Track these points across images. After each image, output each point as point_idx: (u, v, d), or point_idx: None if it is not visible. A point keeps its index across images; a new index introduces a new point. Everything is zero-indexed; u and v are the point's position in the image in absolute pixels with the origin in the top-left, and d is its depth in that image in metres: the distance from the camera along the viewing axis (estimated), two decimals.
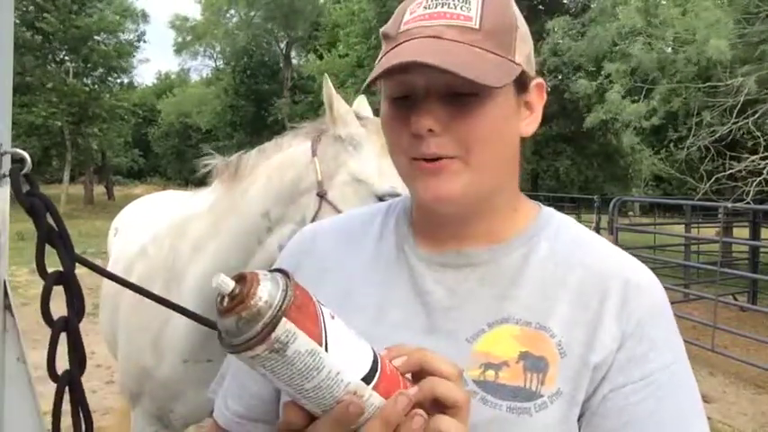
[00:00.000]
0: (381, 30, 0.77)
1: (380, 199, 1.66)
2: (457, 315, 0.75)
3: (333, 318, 0.58)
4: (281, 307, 0.53)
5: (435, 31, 0.70)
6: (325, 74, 1.98)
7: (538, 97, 0.78)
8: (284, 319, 0.53)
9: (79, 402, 1.01)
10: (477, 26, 0.70)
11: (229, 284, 0.55)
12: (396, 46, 0.71)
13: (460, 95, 0.70)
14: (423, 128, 0.70)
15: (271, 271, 0.58)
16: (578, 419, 0.71)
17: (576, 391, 0.70)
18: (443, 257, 0.79)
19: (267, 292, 0.54)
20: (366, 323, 0.76)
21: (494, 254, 0.78)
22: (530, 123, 0.78)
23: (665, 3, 10.55)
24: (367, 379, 0.57)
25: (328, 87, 1.75)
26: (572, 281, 0.75)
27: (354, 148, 1.75)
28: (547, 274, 0.76)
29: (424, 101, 0.70)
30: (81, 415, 1.03)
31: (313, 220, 1.71)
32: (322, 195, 1.73)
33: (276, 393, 0.85)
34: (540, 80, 0.78)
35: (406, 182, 0.77)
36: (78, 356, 1.03)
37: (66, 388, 1.03)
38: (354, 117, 1.78)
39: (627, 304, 0.73)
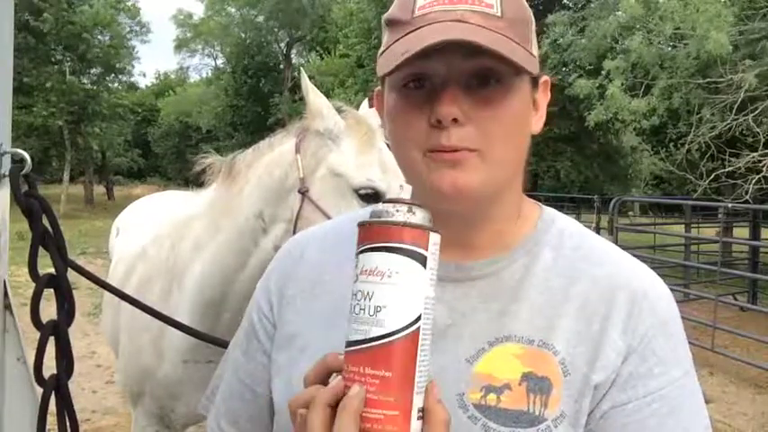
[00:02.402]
0: (386, 16, 0.72)
1: (357, 192, 1.64)
2: (456, 333, 0.71)
3: None
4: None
5: (459, 16, 0.66)
6: (301, 68, 1.99)
7: (543, 95, 0.76)
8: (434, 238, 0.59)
9: (65, 407, 1.01)
10: (500, 14, 0.67)
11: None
12: (413, 30, 0.66)
13: (483, 85, 0.66)
14: (448, 116, 0.64)
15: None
16: None
17: (578, 414, 0.67)
18: (442, 271, 0.72)
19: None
20: None
21: (495, 266, 0.74)
22: (537, 121, 0.75)
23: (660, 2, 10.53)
24: None
25: (304, 81, 1.74)
26: (576, 293, 0.71)
27: (333, 141, 1.72)
28: (550, 286, 0.72)
29: (446, 88, 0.65)
30: (67, 419, 1.02)
31: (296, 218, 1.70)
32: (303, 192, 1.71)
33: (270, 415, 0.83)
34: (546, 77, 0.76)
35: (415, 178, 0.71)
36: (66, 361, 1.02)
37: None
38: (332, 110, 1.76)
39: (632, 317, 0.70)
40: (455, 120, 0.65)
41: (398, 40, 0.68)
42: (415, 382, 0.56)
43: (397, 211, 0.58)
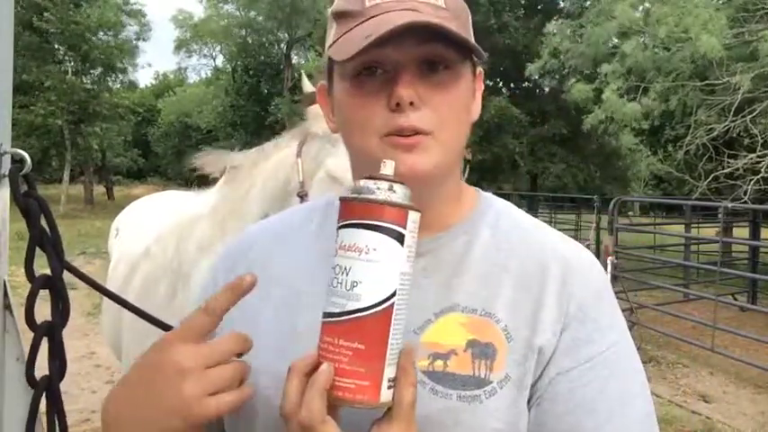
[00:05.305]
0: (333, 9, 0.73)
1: None
2: None
3: None
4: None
5: (412, 6, 0.69)
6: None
7: (479, 84, 0.80)
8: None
9: (56, 409, 1.01)
10: (445, 6, 0.71)
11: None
12: (367, 19, 0.69)
13: (433, 71, 0.70)
14: (407, 98, 0.67)
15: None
16: (528, 403, 0.71)
17: (524, 376, 0.71)
18: None
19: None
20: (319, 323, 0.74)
21: (437, 243, 0.77)
22: (475, 109, 0.79)
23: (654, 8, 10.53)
24: None
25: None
26: (514, 265, 0.75)
27: (333, 145, 1.71)
28: (489, 259, 0.76)
29: (401, 73, 0.68)
30: (57, 422, 1.02)
31: None
32: (302, 196, 1.70)
33: None
34: (480, 69, 0.80)
35: (372, 163, 0.68)
36: (59, 362, 1.02)
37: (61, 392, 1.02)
38: None
39: (566, 286, 0.74)
40: (411, 103, 0.68)
41: (353, 28, 0.69)
42: (387, 355, 0.59)
43: (378, 188, 0.59)
